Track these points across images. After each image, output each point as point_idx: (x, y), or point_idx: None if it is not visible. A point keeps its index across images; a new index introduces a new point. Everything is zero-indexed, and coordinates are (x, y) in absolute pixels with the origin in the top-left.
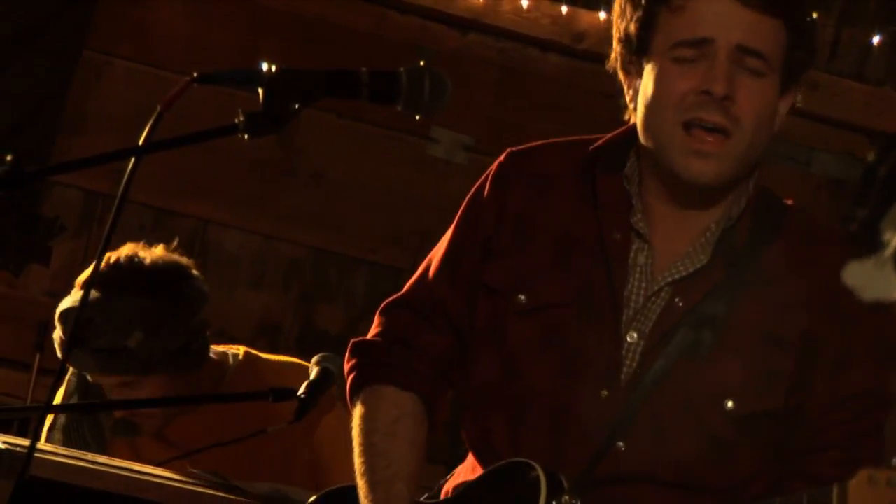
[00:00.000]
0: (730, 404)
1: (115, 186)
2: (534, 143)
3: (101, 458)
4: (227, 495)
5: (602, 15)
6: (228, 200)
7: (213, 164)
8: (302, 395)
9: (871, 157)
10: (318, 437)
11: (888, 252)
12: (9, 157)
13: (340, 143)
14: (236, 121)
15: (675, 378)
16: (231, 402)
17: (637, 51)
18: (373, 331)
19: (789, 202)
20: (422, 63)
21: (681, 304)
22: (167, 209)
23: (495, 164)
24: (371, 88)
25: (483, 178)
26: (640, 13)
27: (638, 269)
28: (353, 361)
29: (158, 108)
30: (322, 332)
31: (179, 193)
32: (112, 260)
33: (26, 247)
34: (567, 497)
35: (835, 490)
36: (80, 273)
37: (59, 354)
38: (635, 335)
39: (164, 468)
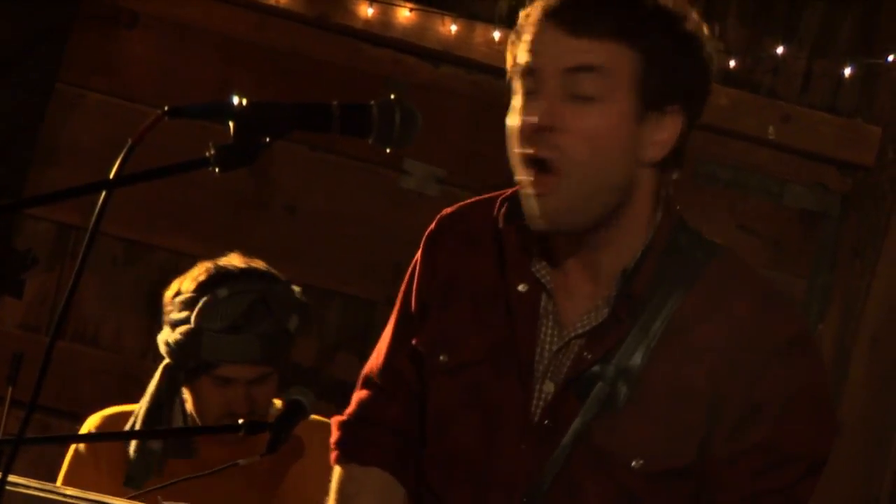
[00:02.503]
0: (637, 462)
1: (88, 219)
2: (464, 203)
3: (70, 491)
4: None
5: None
6: (201, 233)
7: (185, 197)
8: (273, 426)
9: None
10: (287, 482)
11: None
12: None
13: (313, 176)
14: (207, 154)
15: (590, 433)
16: (205, 434)
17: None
18: (347, 409)
19: (722, 247)
20: (392, 96)
21: (589, 357)
22: (140, 241)
23: (428, 229)
24: (342, 122)
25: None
26: (509, 50)
27: (550, 317)
28: (331, 442)
29: (129, 141)
30: (295, 364)
31: (152, 226)
32: (226, 262)
33: None
34: None
35: None
36: (52, 306)
37: (187, 351)
38: (552, 386)
39: (139, 500)
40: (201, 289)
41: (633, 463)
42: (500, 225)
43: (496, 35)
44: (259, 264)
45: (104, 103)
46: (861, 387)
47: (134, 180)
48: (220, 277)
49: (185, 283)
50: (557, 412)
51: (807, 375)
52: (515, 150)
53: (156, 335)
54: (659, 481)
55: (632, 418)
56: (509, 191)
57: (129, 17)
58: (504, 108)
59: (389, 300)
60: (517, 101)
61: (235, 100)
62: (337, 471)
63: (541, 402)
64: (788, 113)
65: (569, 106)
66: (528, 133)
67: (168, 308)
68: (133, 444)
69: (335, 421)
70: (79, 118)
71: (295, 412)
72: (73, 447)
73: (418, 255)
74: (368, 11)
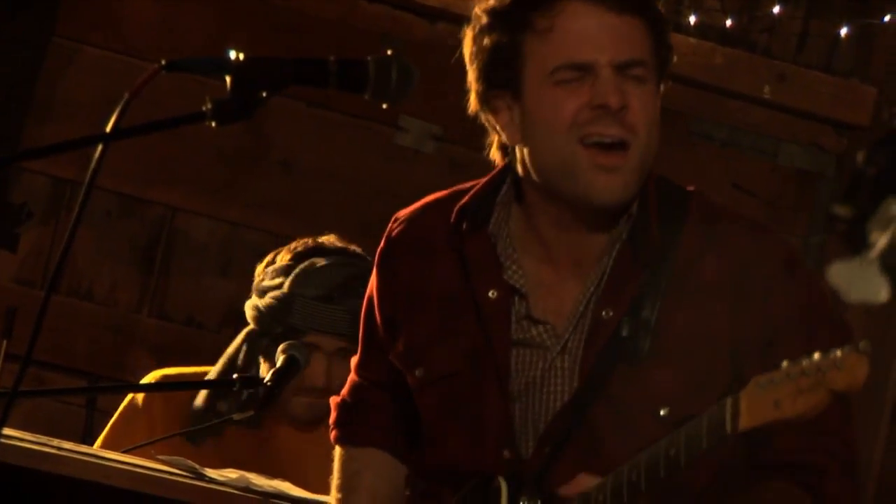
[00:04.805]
0: (664, 411)
1: (83, 173)
2: (417, 205)
3: (66, 445)
4: (193, 482)
5: None
6: (196, 188)
7: (181, 152)
8: (268, 383)
9: (860, 157)
10: (273, 448)
11: (874, 253)
12: None
13: (309, 132)
14: (204, 108)
15: (610, 388)
16: (199, 388)
17: (505, 83)
18: (343, 391)
19: (690, 189)
20: (389, 52)
21: (611, 314)
22: (135, 196)
23: (384, 236)
24: (339, 77)
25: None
26: (502, 43)
27: (524, 321)
28: (330, 422)
29: (126, 95)
30: None
31: (147, 180)
32: (325, 239)
33: None
34: (526, 500)
35: (728, 402)
36: (47, 260)
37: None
38: (565, 360)
39: (131, 454)
40: (298, 257)
41: (662, 412)
42: (465, 234)
43: None
44: (357, 248)
45: (101, 58)
46: None
47: (131, 134)
48: (319, 249)
49: (281, 255)
50: (584, 380)
51: (811, 286)
52: (582, 130)
53: (150, 289)
54: None
55: (655, 368)
56: (467, 189)
57: None
58: None
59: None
60: (559, 89)
61: (233, 54)
62: (338, 450)
63: (559, 378)
64: (784, 72)
65: (631, 87)
66: (610, 114)
67: (260, 277)
68: (200, 400)
69: (333, 401)
70: (75, 72)
71: (289, 368)
72: (128, 399)
73: (375, 264)
74: None
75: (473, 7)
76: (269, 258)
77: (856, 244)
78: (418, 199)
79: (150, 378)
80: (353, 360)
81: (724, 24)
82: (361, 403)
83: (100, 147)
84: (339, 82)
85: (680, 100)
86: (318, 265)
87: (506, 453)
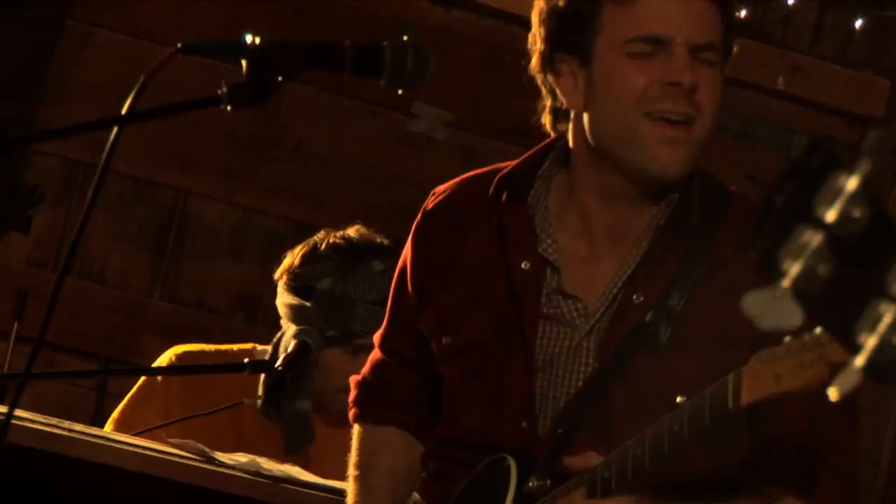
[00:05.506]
0: (680, 399)
1: (96, 156)
2: (455, 180)
3: (77, 427)
4: (203, 465)
5: None
6: (209, 172)
7: (194, 136)
8: (279, 368)
9: (769, 185)
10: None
11: (786, 282)
12: None
13: (322, 117)
14: (219, 92)
15: (629, 373)
16: (208, 373)
17: (573, 48)
18: (364, 369)
19: (733, 188)
20: (405, 38)
21: (641, 300)
22: (148, 179)
23: (421, 210)
24: (354, 62)
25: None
26: (578, 7)
27: (555, 294)
28: (349, 400)
29: (142, 77)
30: None
31: (160, 164)
32: (370, 235)
33: (6, 215)
34: (535, 479)
35: (730, 377)
36: (59, 243)
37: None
38: (591, 341)
39: (141, 437)
40: (353, 259)
41: (678, 400)
42: (504, 204)
43: None
44: (385, 238)
45: (114, 40)
46: None
47: (146, 116)
48: (370, 250)
49: (323, 251)
50: (603, 363)
51: None
52: (649, 105)
53: (162, 272)
54: None
55: (675, 356)
56: (503, 167)
57: None
58: (513, 52)
59: (396, 244)
60: (631, 61)
61: (249, 38)
62: (356, 428)
63: (584, 359)
64: (798, 64)
65: (702, 69)
66: (681, 92)
67: (297, 272)
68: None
69: (353, 380)
70: (89, 55)
71: (300, 353)
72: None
73: (411, 235)
74: None
75: None
76: (298, 254)
77: (767, 273)
78: (431, 185)
79: (170, 354)
80: (377, 335)
81: (739, 14)
82: (382, 382)
83: (114, 130)
84: (355, 67)
85: None
86: (377, 270)
87: (524, 424)
